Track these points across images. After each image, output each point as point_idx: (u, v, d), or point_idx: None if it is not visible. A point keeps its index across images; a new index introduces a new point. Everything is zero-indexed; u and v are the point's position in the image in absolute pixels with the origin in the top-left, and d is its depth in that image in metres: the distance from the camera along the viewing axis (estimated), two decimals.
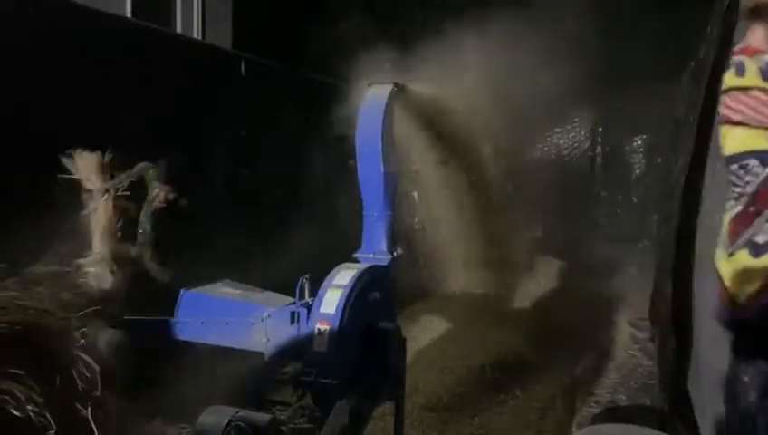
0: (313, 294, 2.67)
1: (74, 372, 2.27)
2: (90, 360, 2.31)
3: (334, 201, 7.95)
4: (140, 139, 4.22)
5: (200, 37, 6.94)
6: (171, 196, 3.49)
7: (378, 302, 2.76)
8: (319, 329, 2.47)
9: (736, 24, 2.62)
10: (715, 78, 2.78)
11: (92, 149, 3.74)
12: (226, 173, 5.90)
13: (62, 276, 2.69)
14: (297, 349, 2.56)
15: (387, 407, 3.27)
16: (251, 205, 6.10)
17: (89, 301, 2.61)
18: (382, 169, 2.92)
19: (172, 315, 2.79)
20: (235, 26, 7.39)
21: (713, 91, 2.81)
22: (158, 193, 3.49)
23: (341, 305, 2.51)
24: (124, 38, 4.47)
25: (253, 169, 6.33)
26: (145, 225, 3.42)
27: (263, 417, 2.04)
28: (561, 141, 10.61)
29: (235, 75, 6.00)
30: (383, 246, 2.98)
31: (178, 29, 6.81)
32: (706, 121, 2.92)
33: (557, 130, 10.59)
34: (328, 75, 7.90)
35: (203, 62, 5.57)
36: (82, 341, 2.32)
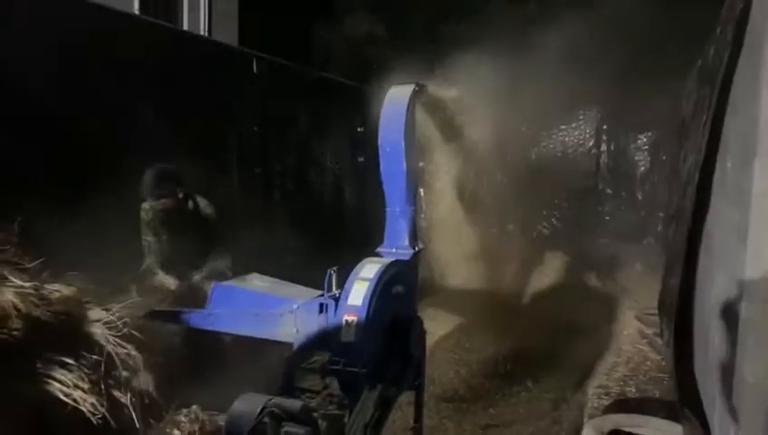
0: (339, 287, 2.77)
1: (117, 360, 2.39)
2: (131, 348, 2.43)
3: (344, 198, 8.06)
4: (149, 137, 4.31)
5: (206, 34, 7.00)
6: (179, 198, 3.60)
7: (401, 294, 2.86)
8: (346, 320, 2.56)
9: (747, 26, 2.71)
10: (728, 79, 2.87)
11: (100, 145, 3.87)
12: (237, 171, 5.98)
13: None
14: (325, 339, 2.65)
15: (403, 398, 3.38)
16: (263, 203, 6.19)
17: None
18: (404, 167, 3.02)
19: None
20: (241, 24, 7.48)
21: (725, 93, 2.91)
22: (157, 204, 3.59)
23: (368, 298, 2.59)
24: (131, 35, 4.53)
25: (264, 167, 6.42)
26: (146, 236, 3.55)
27: (295, 403, 2.11)
28: (567, 139, 10.67)
29: (243, 73, 6.06)
30: (405, 240, 3.08)
31: (185, 26, 6.87)
32: (718, 121, 3.01)
33: (562, 127, 10.66)
34: (333, 74, 8.00)
35: (210, 59, 5.62)
36: (125, 330, 2.45)
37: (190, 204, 3.75)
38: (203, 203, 3.80)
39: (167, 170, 3.66)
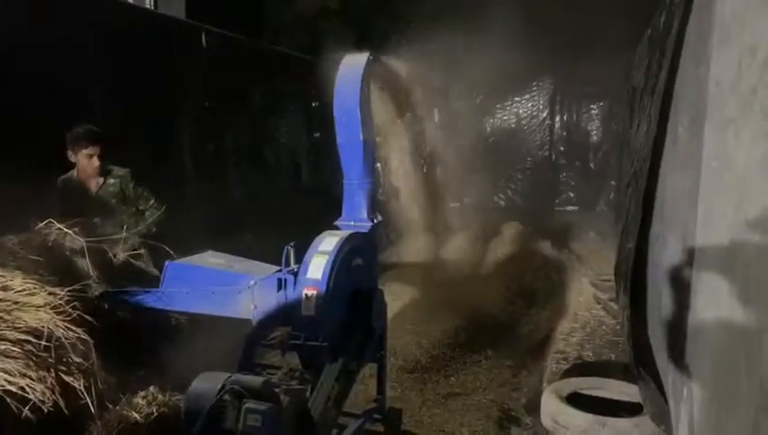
0: (297, 262, 2.73)
1: (67, 345, 2.29)
2: (81, 332, 2.34)
3: (300, 173, 7.98)
4: (94, 113, 4.17)
5: (152, 7, 6.73)
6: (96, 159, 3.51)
7: (361, 267, 2.83)
8: (306, 294, 2.52)
9: None
10: (679, 45, 2.91)
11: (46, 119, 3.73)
12: (188, 148, 5.84)
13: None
14: (285, 314, 2.61)
15: (366, 371, 3.39)
16: (215, 179, 6.08)
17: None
18: (361, 138, 2.96)
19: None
20: None
21: (676, 58, 2.94)
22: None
23: (327, 271, 2.56)
24: (73, 7, 4.35)
25: (215, 142, 6.29)
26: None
27: (256, 380, 2.08)
28: (521, 110, 10.78)
29: (192, 46, 5.88)
30: (363, 213, 3.04)
31: None
32: (670, 87, 3.06)
33: (516, 99, 10.75)
34: (285, 47, 7.85)
35: (156, 32, 5.44)
36: (75, 314, 2.35)
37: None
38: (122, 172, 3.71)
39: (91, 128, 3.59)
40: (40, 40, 3.93)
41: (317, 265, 2.59)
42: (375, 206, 3.13)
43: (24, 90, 3.81)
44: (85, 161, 3.52)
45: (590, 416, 3.22)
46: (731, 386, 1.79)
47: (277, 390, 2.15)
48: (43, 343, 2.24)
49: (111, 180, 3.66)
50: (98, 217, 3.30)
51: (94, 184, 3.64)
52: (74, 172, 3.61)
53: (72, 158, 3.54)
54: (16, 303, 2.31)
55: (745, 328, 1.69)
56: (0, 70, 3.69)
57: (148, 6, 6.64)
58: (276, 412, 1.97)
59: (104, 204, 3.60)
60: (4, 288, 2.37)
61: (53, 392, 2.20)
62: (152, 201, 3.72)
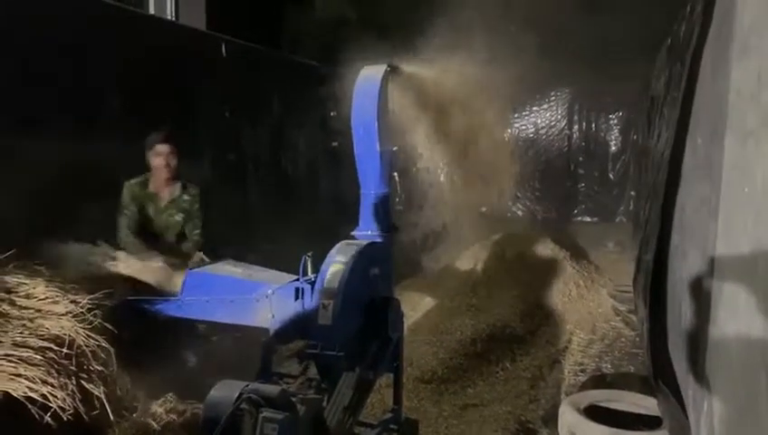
0: (314, 271, 2.74)
1: (87, 353, 2.33)
2: (102, 339, 2.37)
3: (317, 184, 8.01)
4: (116, 124, 4.23)
5: (173, 18, 6.83)
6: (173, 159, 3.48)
7: (377, 277, 2.84)
8: (323, 303, 2.54)
9: (716, 0, 2.73)
10: (698, 54, 2.89)
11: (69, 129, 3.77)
12: (209, 158, 5.89)
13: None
14: (302, 323, 2.63)
15: (382, 381, 3.39)
16: (235, 188, 6.12)
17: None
18: (378, 148, 2.97)
19: None
20: (209, 7, 7.31)
21: (695, 68, 2.92)
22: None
23: (344, 280, 2.57)
24: (95, 19, 4.42)
25: (236, 153, 6.34)
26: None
27: (273, 388, 2.09)
28: (539, 120, 10.73)
29: (212, 56, 5.95)
30: (380, 223, 3.05)
31: (151, 10, 6.69)
32: (689, 97, 3.03)
33: (535, 108, 10.71)
34: (304, 57, 7.92)
35: (177, 42, 5.51)
36: (96, 322, 2.38)
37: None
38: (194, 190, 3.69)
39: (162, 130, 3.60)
40: (62, 52, 4.00)
41: (334, 275, 2.60)
42: (391, 215, 3.13)
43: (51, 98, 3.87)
44: (155, 161, 3.47)
45: (607, 429, 3.19)
46: (752, 400, 1.76)
47: (294, 399, 2.15)
48: (65, 350, 2.28)
49: (186, 197, 3.58)
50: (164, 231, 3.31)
51: (167, 193, 3.56)
52: (147, 177, 3.55)
53: (148, 160, 3.51)
54: (39, 311, 2.35)
55: (767, 341, 1.67)
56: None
57: (169, 17, 6.74)
58: (293, 421, 1.98)
59: (169, 221, 3.53)
60: (27, 296, 2.42)
61: (74, 400, 2.23)
62: (199, 230, 3.62)
